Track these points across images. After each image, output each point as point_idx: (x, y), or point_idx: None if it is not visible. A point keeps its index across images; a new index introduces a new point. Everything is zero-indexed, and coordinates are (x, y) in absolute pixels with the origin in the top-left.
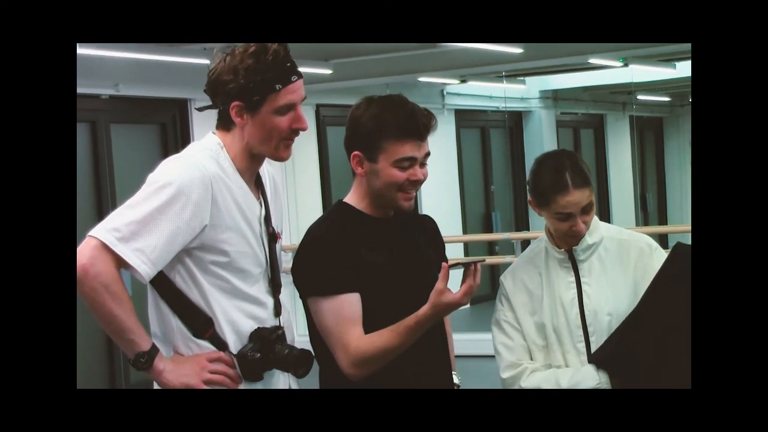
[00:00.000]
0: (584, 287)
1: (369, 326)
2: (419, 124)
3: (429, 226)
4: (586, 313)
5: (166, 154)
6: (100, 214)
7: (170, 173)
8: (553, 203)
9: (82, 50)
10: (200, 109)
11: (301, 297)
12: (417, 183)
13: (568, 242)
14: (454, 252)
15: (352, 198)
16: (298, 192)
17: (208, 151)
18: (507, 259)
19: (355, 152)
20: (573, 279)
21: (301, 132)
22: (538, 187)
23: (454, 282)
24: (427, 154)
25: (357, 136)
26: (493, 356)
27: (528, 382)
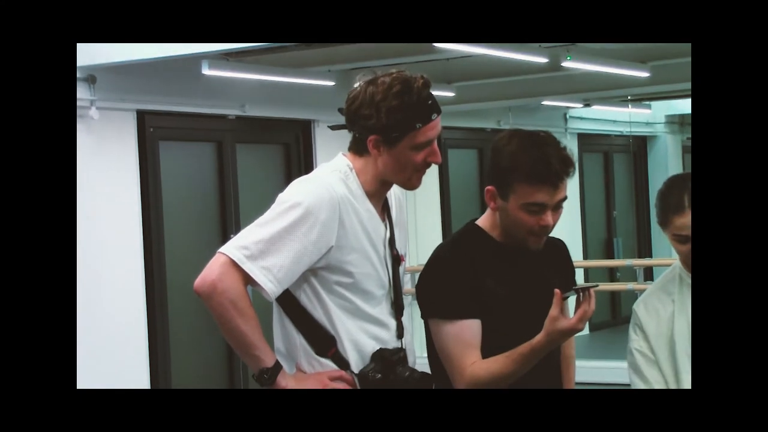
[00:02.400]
0: None
1: (488, 354)
2: (552, 172)
3: (559, 250)
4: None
5: (289, 173)
6: (224, 231)
7: (300, 194)
8: (671, 224)
9: (211, 72)
10: (333, 128)
11: (422, 316)
12: (547, 228)
13: (687, 266)
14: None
15: (485, 222)
16: (418, 214)
17: (338, 173)
18: (629, 286)
19: (489, 187)
20: None
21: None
22: (659, 206)
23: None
24: (563, 200)
25: (492, 170)
26: (613, 384)
27: None
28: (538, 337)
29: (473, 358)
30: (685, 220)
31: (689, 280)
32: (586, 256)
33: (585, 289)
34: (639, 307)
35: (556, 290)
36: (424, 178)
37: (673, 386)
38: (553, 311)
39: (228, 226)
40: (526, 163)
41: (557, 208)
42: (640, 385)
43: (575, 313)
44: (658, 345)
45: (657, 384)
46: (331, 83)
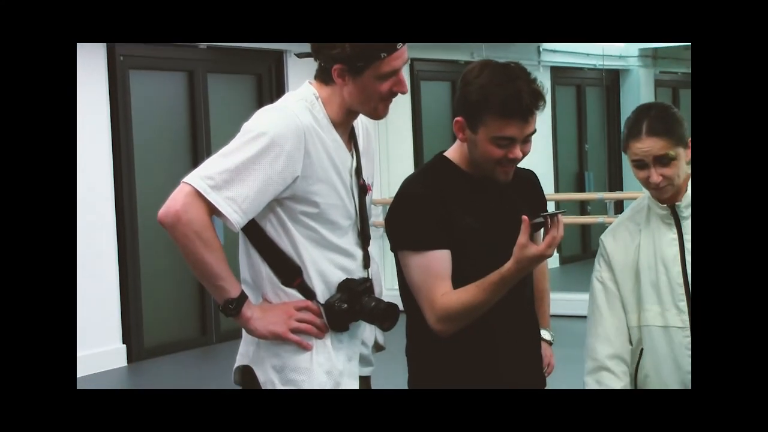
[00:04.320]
0: (687, 245)
1: (459, 285)
2: (523, 106)
3: (530, 181)
4: (688, 271)
5: (261, 104)
6: (195, 162)
7: (265, 123)
8: (629, 149)
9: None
10: (300, 56)
11: (392, 249)
12: (515, 161)
13: (654, 195)
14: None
15: (453, 153)
16: (390, 146)
17: (303, 102)
18: (600, 219)
19: (458, 118)
20: (675, 236)
21: None
22: (623, 132)
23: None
24: (532, 133)
25: (462, 102)
26: (584, 317)
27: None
28: (508, 265)
29: (444, 288)
30: (640, 145)
31: (658, 210)
32: (557, 189)
33: (553, 215)
34: (607, 238)
35: (524, 217)
36: (397, 110)
37: (633, 319)
38: (522, 238)
39: (199, 156)
40: (497, 97)
41: (526, 141)
42: (594, 315)
43: (544, 239)
44: (623, 276)
45: (610, 317)
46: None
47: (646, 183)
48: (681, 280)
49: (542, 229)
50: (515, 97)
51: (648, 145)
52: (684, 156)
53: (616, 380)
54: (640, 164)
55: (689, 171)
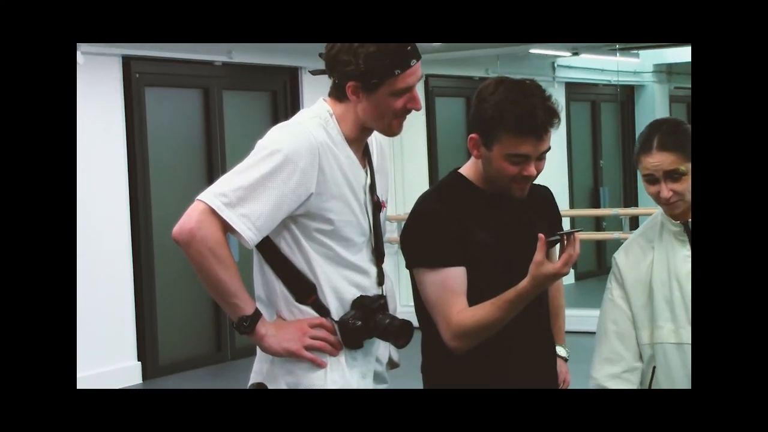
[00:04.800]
0: None
1: (475, 302)
2: (537, 123)
3: (545, 197)
4: None
5: (276, 121)
6: (211, 179)
7: (279, 140)
8: (640, 164)
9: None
10: (314, 73)
11: (407, 266)
12: (530, 177)
13: (666, 211)
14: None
15: (468, 170)
16: (405, 162)
17: (317, 119)
18: (615, 235)
19: (473, 135)
20: (689, 253)
21: None
22: (635, 147)
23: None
24: (547, 150)
25: (477, 119)
26: None
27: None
28: (524, 283)
29: (459, 306)
30: (651, 160)
31: (671, 227)
32: (572, 205)
33: (569, 234)
34: (619, 256)
35: (540, 235)
36: (412, 126)
37: (645, 336)
38: (538, 256)
39: (215, 172)
40: (511, 114)
41: (540, 158)
42: (600, 334)
43: (560, 257)
44: (635, 292)
45: (615, 338)
46: None
47: (657, 198)
48: None
49: (557, 246)
50: (530, 114)
51: (658, 159)
52: None
53: None
54: (651, 179)
55: None
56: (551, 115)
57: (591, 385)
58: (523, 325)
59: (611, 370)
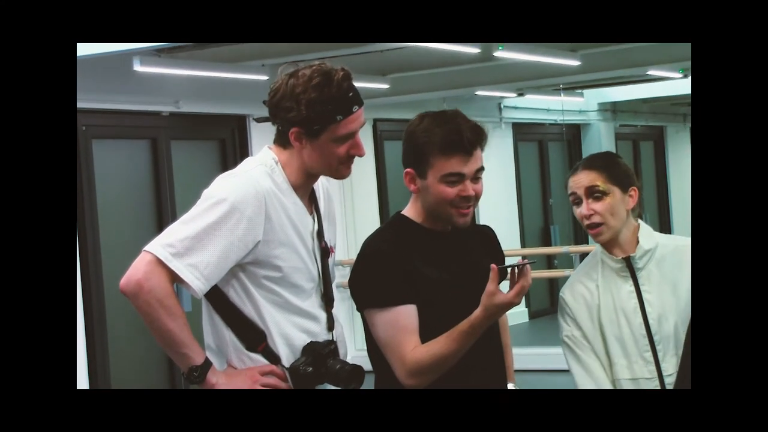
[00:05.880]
0: (645, 295)
1: (426, 338)
2: (463, 139)
3: (488, 236)
4: (650, 321)
5: (225, 169)
6: (161, 228)
7: (225, 189)
8: (567, 187)
9: (143, 68)
10: (258, 120)
11: (358, 309)
12: (469, 199)
13: (593, 237)
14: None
15: (410, 211)
16: (356, 206)
17: (263, 167)
18: (567, 272)
19: (408, 169)
20: (632, 288)
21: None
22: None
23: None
24: (480, 170)
25: (408, 152)
26: (554, 371)
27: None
28: (476, 313)
29: (412, 343)
30: (574, 178)
31: (611, 264)
32: (523, 244)
33: (522, 266)
34: (566, 294)
35: (493, 265)
36: (361, 170)
37: (608, 371)
38: (490, 286)
39: (165, 222)
40: (438, 136)
41: (476, 179)
42: (578, 369)
43: (513, 287)
44: (591, 333)
45: (586, 376)
46: (265, 77)
47: (581, 220)
48: (644, 331)
49: (507, 279)
50: (456, 132)
51: (580, 177)
52: (621, 200)
53: None
54: (575, 199)
55: (636, 223)
56: (477, 133)
57: None
58: (476, 360)
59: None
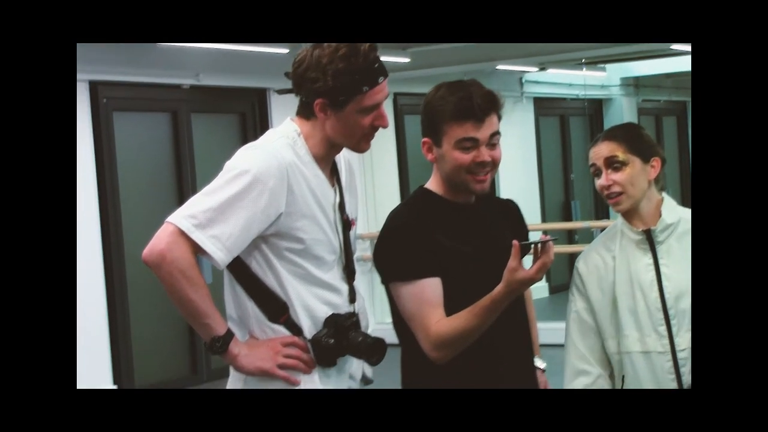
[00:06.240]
0: (663, 269)
1: (451, 311)
2: (474, 105)
3: (511, 210)
4: (666, 295)
5: (245, 142)
6: (181, 201)
7: (247, 161)
8: (588, 159)
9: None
10: (280, 92)
11: (382, 282)
12: (485, 164)
13: (612, 207)
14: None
15: (432, 184)
16: (375, 180)
17: (285, 138)
18: (586, 248)
19: (425, 139)
20: (651, 261)
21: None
22: None
23: (529, 263)
24: (495, 135)
25: (425, 122)
26: None
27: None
28: (498, 288)
29: (437, 316)
30: (595, 149)
31: (632, 235)
32: (544, 219)
33: (544, 242)
34: (579, 264)
35: (515, 241)
36: (381, 144)
37: (612, 345)
38: (512, 262)
39: (185, 195)
40: (450, 103)
41: (492, 144)
42: (567, 347)
43: (534, 263)
44: (599, 304)
45: (583, 348)
46: (285, 51)
47: (601, 191)
48: (660, 305)
49: (528, 255)
50: (467, 99)
51: (600, 148)
52: (642, 170)
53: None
54: (595, 171)
55: (660, 196)
56: (489, 99)
57: (573, 385)
58: (502, 334)
59: (583, 382)
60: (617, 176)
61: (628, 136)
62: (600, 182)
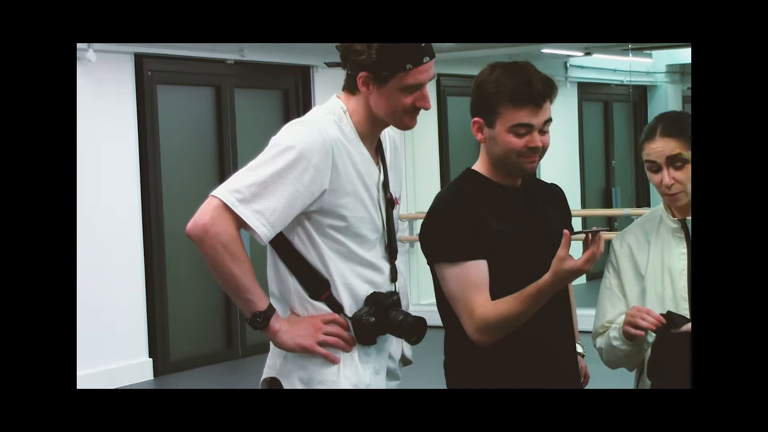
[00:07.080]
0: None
1: (496, 294)
2: (533, 91)
3: (556, 195)
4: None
5: (287, 119)
6: (222, 177)
7: (293, 137)
8: (643, 152)
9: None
10: (329, 65)
11: (428, 263)
12: (536, 150)
13: (666, 201)
14: (573, 226)
15: (479, 166)
16: (416, 161)
17: (331, 115)
18: (625, 228)
19: (476, 118)
20: (685, 250)
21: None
22: (640, 138)
23: (576, 252)
24: (548, 121)
25: (477, 102)
26: None
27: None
28: (545, 277)
29: (482, 299)
30: (653, 145)
31: (669, 223)
32: (584, 205)
33: (595, 233)
34: (615, 243)
35: (566, 231)
36: (423, 126)
37: None
38: (561, 251)
39: (226, 170)
40: (509, 86)
41: (543, 130)
42: (598, 314)
43: (583, 254)
44: (629, 285)
45: (614, 316)
46: None
47: (659, 187)
48: (686, 295)
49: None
50: (526, 83)
51: (661, 145)
52: None
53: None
54: (653, 167)
55: None
56: (548, 85)
57: (597, 344)
58: (546, 320)
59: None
60: (680, 175)
61: (686, 130)
62: (662, 180)
